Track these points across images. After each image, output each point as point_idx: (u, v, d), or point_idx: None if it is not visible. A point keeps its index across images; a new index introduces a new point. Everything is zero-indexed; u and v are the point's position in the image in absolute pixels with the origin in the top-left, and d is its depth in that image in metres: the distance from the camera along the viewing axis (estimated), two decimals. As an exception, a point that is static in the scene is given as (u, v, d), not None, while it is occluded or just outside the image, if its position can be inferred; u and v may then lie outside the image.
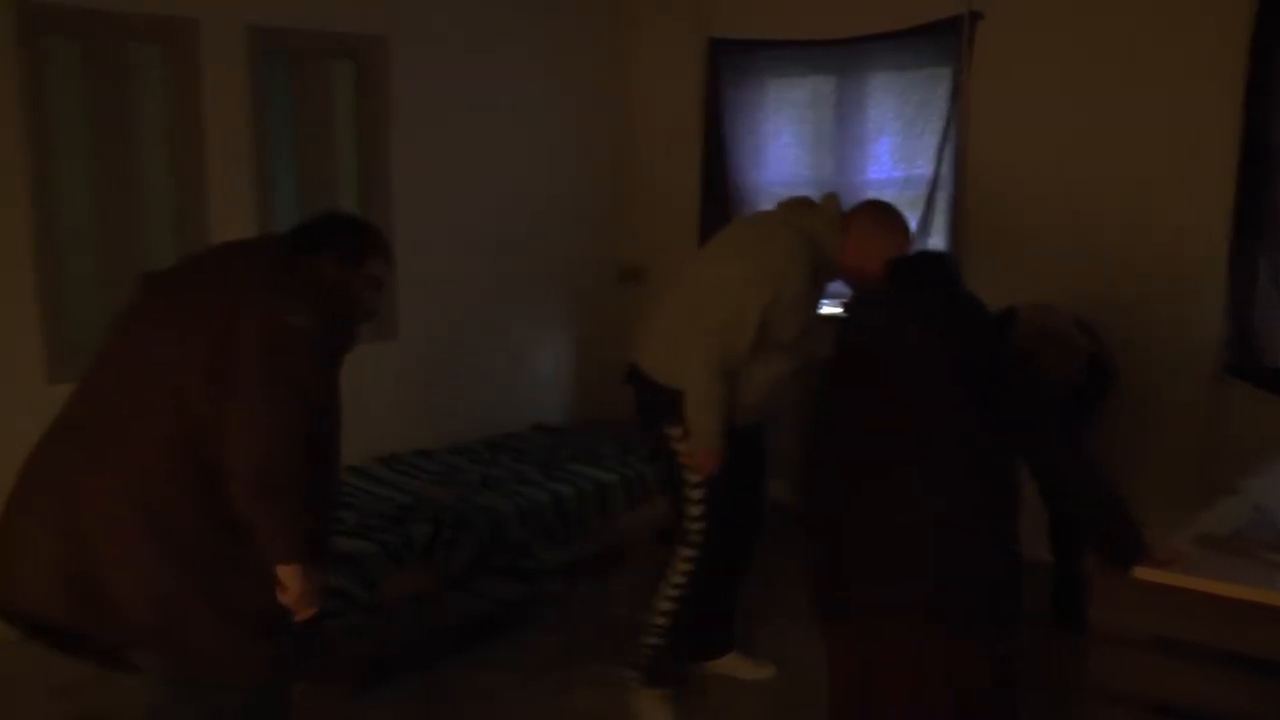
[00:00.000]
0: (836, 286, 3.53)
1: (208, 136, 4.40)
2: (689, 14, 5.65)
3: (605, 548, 4.71)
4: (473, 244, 5.38)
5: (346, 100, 4.95)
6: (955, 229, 4.84)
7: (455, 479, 4.62)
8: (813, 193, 5.22)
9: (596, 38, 5.82)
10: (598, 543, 4.66)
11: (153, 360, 2.30)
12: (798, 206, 3.43)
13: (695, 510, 3.41)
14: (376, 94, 4.95)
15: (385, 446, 5.00)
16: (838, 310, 2.95)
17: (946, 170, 4.83)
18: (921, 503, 2.39)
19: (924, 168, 4.89)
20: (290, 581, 2.30)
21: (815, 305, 3.40)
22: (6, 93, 3.91)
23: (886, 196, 4.99)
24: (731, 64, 5.48)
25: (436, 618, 3.94)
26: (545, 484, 4.58)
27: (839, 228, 3.26)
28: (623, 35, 5.92)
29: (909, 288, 2.71)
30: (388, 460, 4.92)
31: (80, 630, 2.32)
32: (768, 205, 5.40)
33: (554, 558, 4.42)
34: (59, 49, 4.08)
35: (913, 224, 4.91)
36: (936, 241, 4.87)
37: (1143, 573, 2.39)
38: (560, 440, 5.32)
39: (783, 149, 5.44)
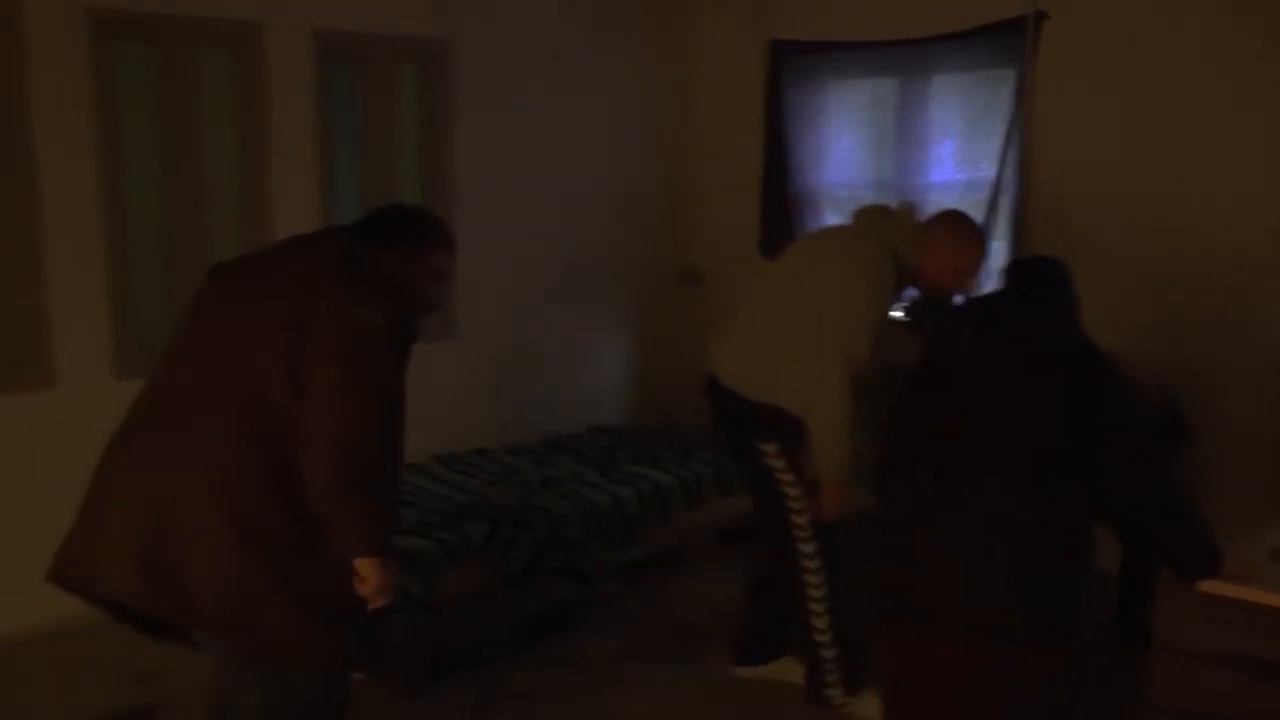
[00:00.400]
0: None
1: (272, 139, 4.46)
2: (750, 16, 5.64)
3: (663, 549, 4.71)
4: (533, 245, 5.42)
5: (409, 103, 5.00)
6: (1018, 233, 4.78)
7: (514, 479, 4.65)
8: (874, 196, 5.24)
9: (658, 39, 5.82)
10: (655, 544, 4.67)
11: (228, 355, 2.33)
12: (876, 217, 3.40)
13: (802, 519, 3.40)
14: (439, 97, 5.00)
15: (444, 445, 5.04)
16: (900, 316, 2.94)
17: (1010, 174, 4.76)
18: (989, 512, 2.36)
19: (987, 171, 4.83)
20: (369, 574, 2.33)
21: (887, 318, 3.35)
22: (79, 97, 4.00)
23: (948, 200, 4.99)
24: (793, 66, 5.45)
25: (494, 617, 3.97)
26: (604, 485, 4.60)
27: (916, 239, 3.24)
28: (684, 37, 5.92)
29: (1013, 296, 2.68)
30: (447, 459, 4.96)
31: (159, 618, 2.37)
32: (829, 208, 5.43)
33: (611, 559, 4.43)
34: (128, 53, 4.16)
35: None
36: (999, 246, 4.80)
37: (1213, 586, 2.34)
38: (618, 441, 5.33)
39: (844, 151, 5.41)
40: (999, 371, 2.46)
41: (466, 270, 5.09)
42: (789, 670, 3.76)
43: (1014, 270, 2.92)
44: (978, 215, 4.83)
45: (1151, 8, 4.43)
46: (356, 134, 4.80)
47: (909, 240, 3.26)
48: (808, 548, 3.43)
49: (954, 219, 3.30)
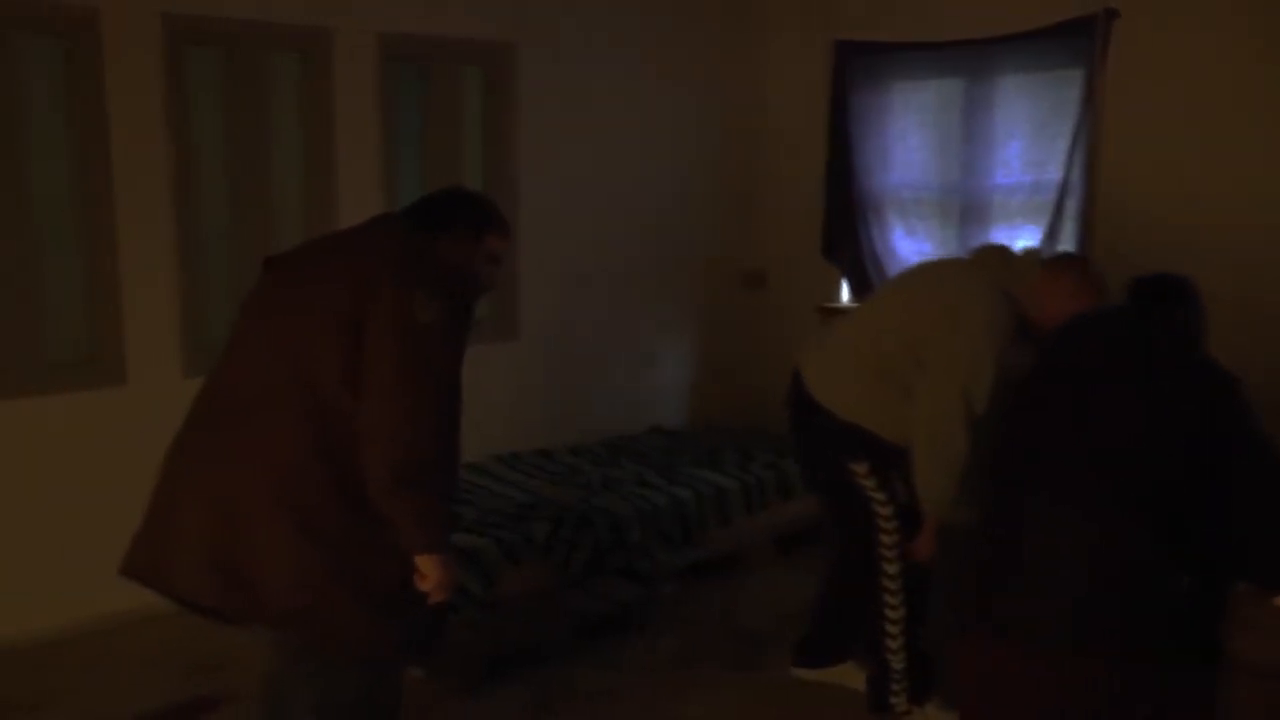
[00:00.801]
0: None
1: (338, 141, 4.52)
2: (815, 17, 5.61)
3: (723, 553, 4.70)
4: (596, 246, 5.44)
5: (475, 105, 5.04)
6: (1084, 236, 4.70)
7: (575, 480, 4.67)
8: (938, 199, 5.20)
9: (722, 40, 5.82)
10: (715, 548, 4.66)
11: (286, 353, 2.35)
12: (997, 260, 3.31)
13: (889, 539, 3.37)
14: (504, 99, 5.03)
15: (505, 445, 5.08)
16: None
17: (1077, 176, 4.69)
18: (1102, 530, 2.30)
19: (1054, 173, 4.76)
20: (429, 570, 2.36)
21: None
22: (153, 102, 4.09)
23: (1014, 202, 4.93)
24: (857, 67, 5.42)
25: (553, 617, 3.98)
26: (665, 487, 4.60)
27: (1037, 289, 3.15)
28: (748, 38, 5.91)
29: (1134, 313, 2.62)
30: (508, 459, 4.99)
31: (226, 613, 2.42)
32: (893, 211, 5.39)
33: (671, 561, 4.43)
34: (200, 57, 4.24)
35: (1039, 231, 4.80)
36: (1065, 248, 4.72)
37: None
38: (679, 443, 5.33)
39: (909, 153, 5.36)
40: (1116, 389, 2.39)
41: (529, 271, 5.15)
42: (850, 676, 3.74)
43: (1137, 287, 2.83)
44: (1042, 218, 4.78)
45: (1225, 5, 4.33)
46: (421, 135, 4.85)
47: (1031, 291, 3.16)
48: (891, 568, 3.40)
49: (1077, 269, 3.19)
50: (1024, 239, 4.87)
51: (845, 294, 5.77)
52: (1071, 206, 4.71)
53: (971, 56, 5.01)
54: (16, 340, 3.94)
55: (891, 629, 3.44)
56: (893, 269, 5.39)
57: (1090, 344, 2.54)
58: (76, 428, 4.05)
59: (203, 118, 4.27)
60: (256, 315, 2.49)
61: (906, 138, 5.35)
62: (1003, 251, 3.36)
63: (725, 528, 4.65)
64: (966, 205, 5.13)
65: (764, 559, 4.83)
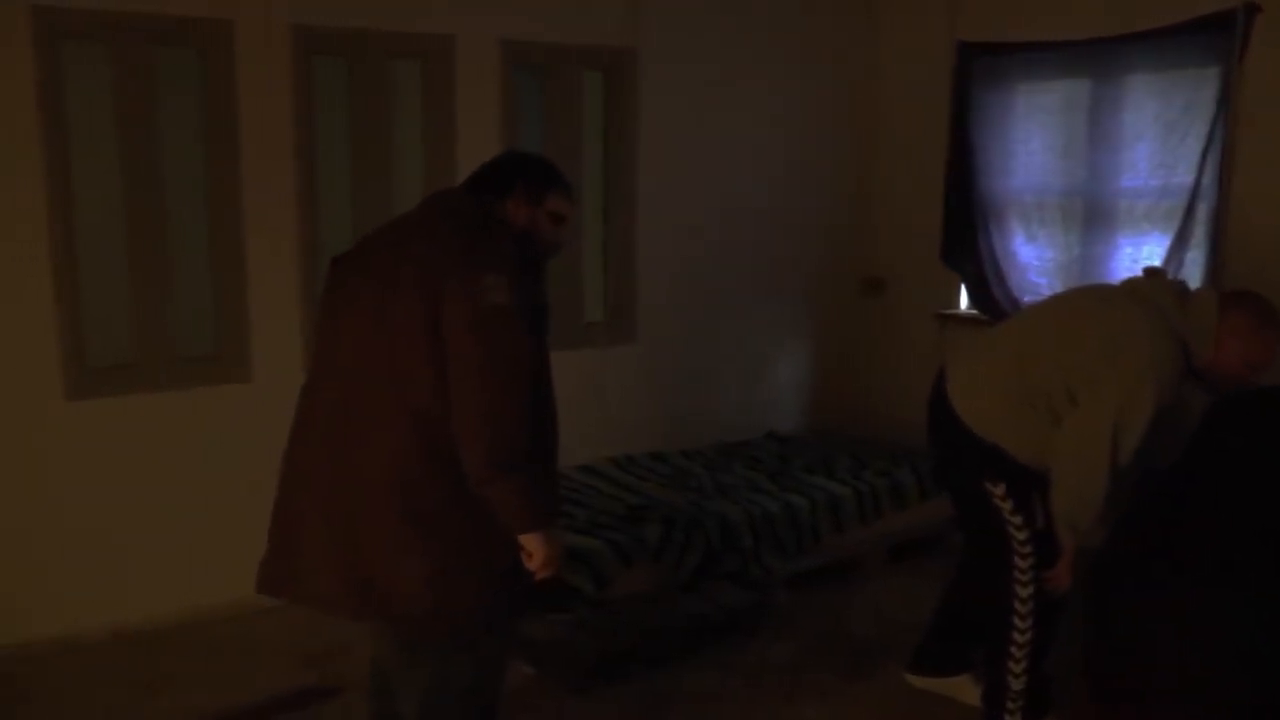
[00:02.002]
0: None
1: (459, 145, 4.60)
2: (937, 18, 5.51)
3: (835, 560, 4.65)
4: (713, 250, 5.44)
5: (595, 109, 5.09)
6: (1216, 243, 4.50)
7: (688, 483, 4.67)
8: (1062, 203, 5.05)
9: (841, 42, 5.76)
10: (828, 555, 4.61)
11: (380, 365, 2.37)
12: (1172, 297, 3.12)
13: (1024, 563, 3.27)
14: (623, 103, 5.07)
15: (619, 447, 5.10)
16: None
17: (1209, 179, 4.49)
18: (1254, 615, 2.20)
19: (1184, 176, 4.57)
20: (535, 548, 2.39)
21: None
22: (281, 110, 4.22)
23: (1140, 206, 4.76)
24: (980, 68, 5.30)
25: (663, 619, 3.98)
26: (778, 493, 4.57)
27: (1210, 332, 3.01)
28: (868, 40, 5.84)
29: None
30: (621, 461, 5.01)
31: (361, 619, 2.50)
32: (1014, 215, 5.26)
33: (783, 567, 4.40)
34: (326, 66, 4.36)
35: (1167, 237, 4.62)
36: (1195, 256, 4.54)
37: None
38: (793, 449, 5.29)
39: (1031, 156, 5.22)
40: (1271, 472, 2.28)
41: (646, 273, 5.19)
42: (964, 690, 3.66)
43: None
44: (1170, 224, 4.60)
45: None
46: (542, 140, 4.90)
47: (1203, 335, 3.02)
48: (1024, 591, 3.29)
49: (1256, 309, 3.03)
50: (1150, 245, 4.71)
51: (964, 301, 5.65)
52: (1203, 211, 4.52)
53: (1099, 56, 4.86)
54: (150, 338, 4.11)
55: (1017, 652, 3.34)
56: (1014, 275, 5.26)
57: (1243, 428, 2.38)
58: (203, 421, 4.20)
59: (327, 125, 4.38)
60: (342, 323, 2.49)
61: (1029, 140, 5.21)
62: (1177, 287, 3.18)
63: (838, 535, 4.60)
64: (1090, 210, 4.97)
65: (876, 567, 4.76)
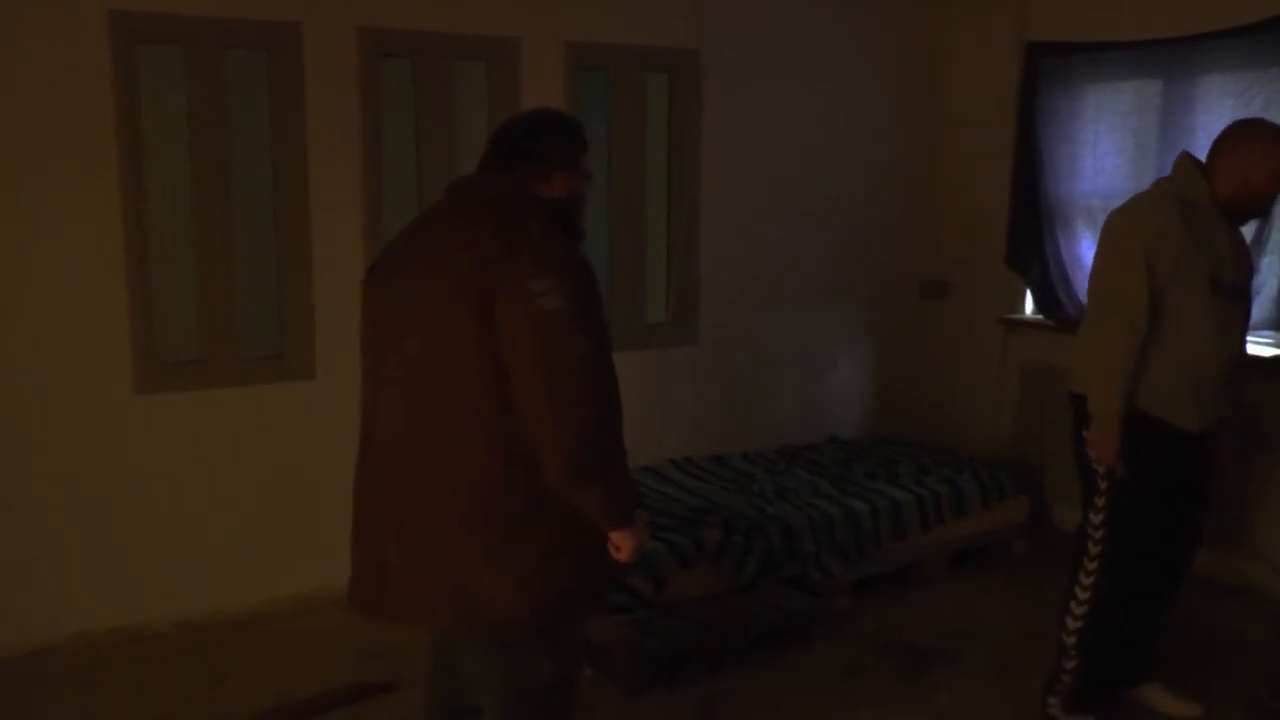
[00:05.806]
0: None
1: (524, 147, 4.61)
2: (1005, 17, 5.43)
3: (895, 567, 4.61)
4: (775, 251, 5.41)
5: (659, 109, 5.09)
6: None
7: (749, 486, 4.65)
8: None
9: (907, 43, 5.71)
10: (889, 562, 4.57)
11: (443, 384, 2.30)
12: (1174, 169, 3.36)
13: (1097, 518, 3.31)
14: (687, 104, 5.07)
15: (679, 449, 5.10)
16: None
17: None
18: None
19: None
20: (623, 542, 2.38)
21: (1209, 268, 3.19)
22: (347, 112, 4.27)
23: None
24: (1049, 68, 5.22)
25: (722, 622, 3.97)
26: (839, 498, 4.53)
27: (1198, 170, 3.23)
28: (934, 40, 5.77)
29: None
30: (682, 464, 5.01)
31: (455, 632, 2.49)
32: (1082, 220, 5.18)
33: (843, 572, 4.36)
34: (392, 67, 4.41)
35: (1247, 239, 4.51)
36: (1270, 262, 4.43)
37: None
38: (855, 454, 5.25)
39: (1100, 159, 5.12)
40: None
41: (710, 274, 5.18)
42: (1155, 698, 3.60)
43: None
44: (1249, 228, 4.48)
45: None
46: (607, 140, 4.91)
47: (1188, 177, 3.23)
48: (1095, 549, 3.32)
49: (1229, 131, 3.24)
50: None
51: (1029, 305, 5.56)
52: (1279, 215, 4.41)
53: (1172, 55, 4.75)
54: (217, 334, 4.18)
55: (1076, 609, 3.36)
56: (1079, 280, 5.17)
57: None
58: (267, 418, 4.26)
59: (393, 126, 4.42)
60: (392, 341, 2.44)
61: (1099, 142, 5.11)
62: (1187, 160, 3.33)
63: (899, 541, 4.56)
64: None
65: (936, 574, 4.71)
